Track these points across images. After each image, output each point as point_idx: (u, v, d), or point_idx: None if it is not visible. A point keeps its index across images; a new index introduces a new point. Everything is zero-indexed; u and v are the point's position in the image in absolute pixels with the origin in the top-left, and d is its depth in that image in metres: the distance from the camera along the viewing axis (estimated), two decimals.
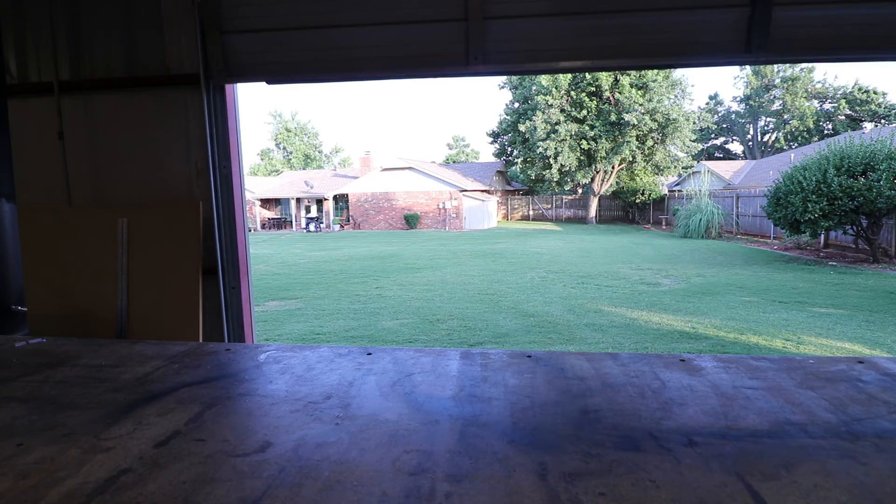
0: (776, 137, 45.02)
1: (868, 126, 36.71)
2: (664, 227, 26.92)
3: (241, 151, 3.13)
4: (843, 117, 40.36)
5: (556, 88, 28.89)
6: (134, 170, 2.97)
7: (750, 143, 47.53)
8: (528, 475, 1.03)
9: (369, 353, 1.86)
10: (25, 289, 2.93)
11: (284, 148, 62.91)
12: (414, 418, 1.31)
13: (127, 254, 2.85)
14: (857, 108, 39.78)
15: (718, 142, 49.47)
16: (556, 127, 29.06)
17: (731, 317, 7.29)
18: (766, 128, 46.59)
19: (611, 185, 32.11)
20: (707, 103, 48.64)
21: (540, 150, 29.89)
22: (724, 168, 31.04)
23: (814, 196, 12.00)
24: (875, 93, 39.00)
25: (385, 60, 2.84)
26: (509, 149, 38.68)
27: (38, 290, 2.91)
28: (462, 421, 1.29)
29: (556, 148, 29.38)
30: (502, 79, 35.67)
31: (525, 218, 36.83)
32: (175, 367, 1.75)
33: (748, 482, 0.99)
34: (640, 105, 27.73)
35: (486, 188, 33.23)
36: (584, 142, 29.33)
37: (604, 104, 29.13)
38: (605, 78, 28.03)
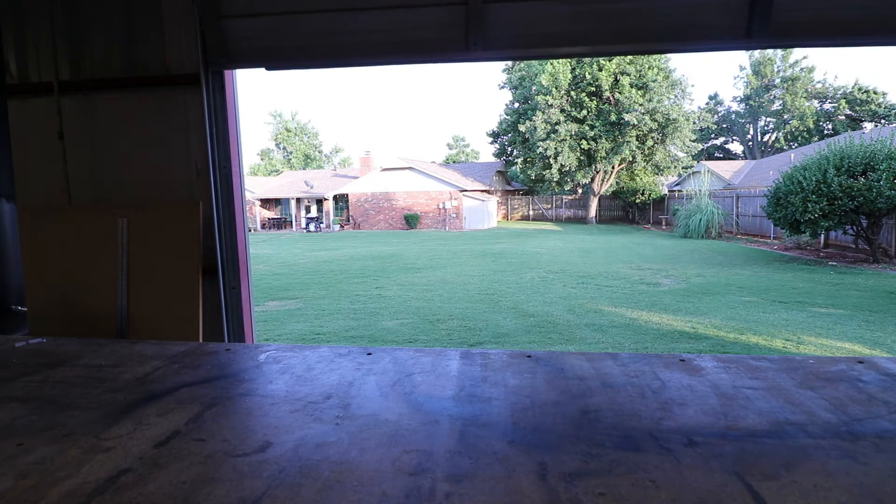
0: (776, 137, 45.02)
1: (868, 126, 36.71)
2: (664, 227, 26.91)
3: (241, 151, 3.13)
4: (843, 117, 40.35)
5: (556, 88, 28.89)
6: (134, 170, 2.96)
7: (750, 143, 47.52)
8: (528, 475, 1.03)
9: (369, 353, 1.86)
10: (25, 289, 2.93)
11: (284, 148, 62.91)
12: (414, 418, 1.31)
13: (127, 254, 2.85)
14: (857, 108, 39.77)
15: (718, 142, 49.47)
16: (556, 127, 29.06)
17: (731, 317, 7.29)
18: (766, 128, 46.59)
19: (611, 185, 32.11)
20: (707, 103, 48.65)
21: (540, 150, 29.89)
22: (724, 168, 31.04)
23: (814, 196, 12.00)
24: (875, 93, 38.99)
25: (385, 46, 2.82)
26: (509, 149, 38.68)
27: (38, 290, 2.91)
28: (462, 421, 1.29)
29: (556, 148, 29.37)
30: (502, 79, 35.71)
31: (525, 218, 36.83)
32: (175, 367, 1.75)
33: (748, 482, 0.99)
34: (640, 105, 27.73)
35: (486, 188, 33.22)
36: (584, 142, 29.33)
37: (604, 104, 29.13)
38: (605, 78, 28.03)
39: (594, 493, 0.96)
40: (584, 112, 29.13)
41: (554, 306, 8.17)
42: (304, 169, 55.06)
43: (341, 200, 33.89)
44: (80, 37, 2.92)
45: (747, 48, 2.85)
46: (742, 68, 46.73)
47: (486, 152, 72.20)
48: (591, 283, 10.26)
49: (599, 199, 33.20)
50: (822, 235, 14.93)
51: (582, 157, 30.12)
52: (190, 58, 2.85)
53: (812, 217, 12.07)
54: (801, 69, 42.12)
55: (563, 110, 29.35)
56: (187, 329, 2.76)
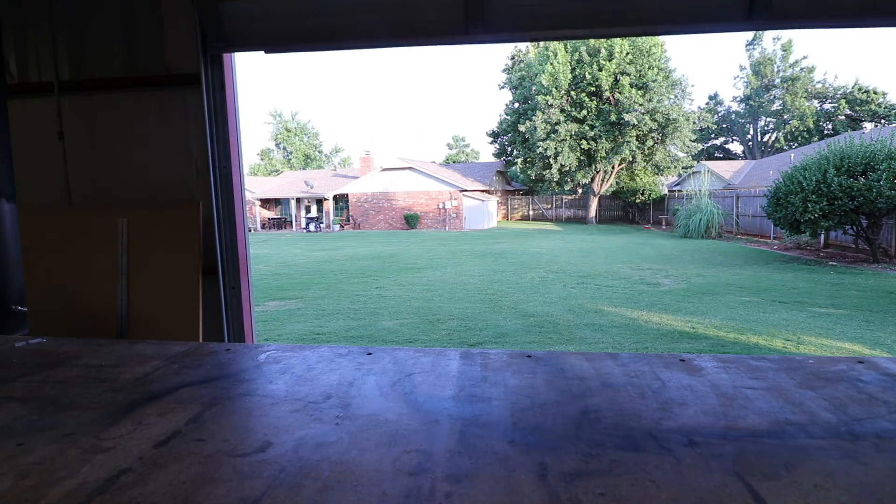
0: (776, 137, 45.02)
1: (868, 126, 36.72)
2: (664, 227, 26.91)
3: (241, 151, 3.13)
4: (843, 117, 40.36)
5: (556, 88, 28.90)
6: (134, 170, 2.96)
7: (750, 143, 47.52)
8: (528, 475, 1.03)
9: (369, 353, 1.86)
10: (25, 289, 2.93)
11: (284, 148, 62.91)
12: (414, 418, 1.31)
13: (127, 254, 2.85)
14: (857, 108, 39.77)
15: (718, 142, 49.47)
16: (556, 127, 29.06)
17: (731, 317, 7.29)
18: (766, 128, 46.59)
19: (611, 185, 32.11)
20: (707, 103, 48.65)
21: (540, 150, 29.89)
22: (724, 168, 31.05)
23: (814, 196, 12.00)
24: (875, 93, 39.00)
25: (384, 27, 2.80)
26: (509, 149, 38.69)
27: (38, 290, 2.91)
28: (462, 421, 1.29)
29: (556, 148, 29.38)
30: (502, 79, 35.69)
31: (525, 218, 36.83)
32: (175, 367, 1.75)
33: (748, 482, 0.99)
34: (640, 105, 27.73)
35: (486, 188, 33.23)
36: (584, 142, 29.33)
37: (604, 104, 29.13)
38: (605, 78, 28.04)
39: (594, 493, 0.96)
40: (584, 112, 29.13)
41: (554, 306, 8.16)
42: (304, 169, 55.06)
43: (341, 200, 33.89)
44: (80, 37, 2.92)
45: (748, 29, 2.80)
46: (742, 68, 46.75)
47: (486, 152, 72.28)
48: (591, 283, 10.26)
49: (599, 199, 33.21)
50: (822, 235, 14.94)
51: (582, 157, 30.13)
52: (190, 57, 2.85)
53: (812, 217, 12.07)
54: (801, 69, 42.14)
55: (563, 110, 29.35)
56: (187, 329, 2.76)
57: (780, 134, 44.35)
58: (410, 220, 30.42)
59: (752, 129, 47.27)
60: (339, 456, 1.12)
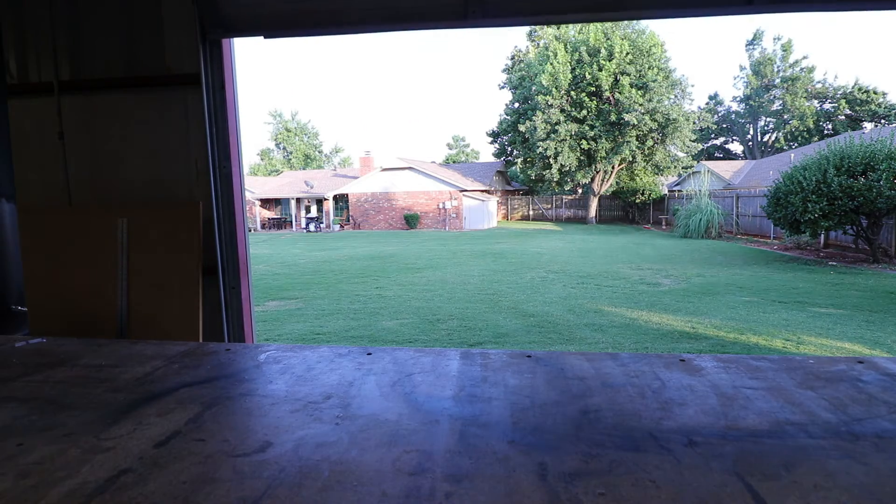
0: (776, 137, 45.03)
1: (868, 126, 36.72)
2: (664, 227, 26.92)
3: (241, 151, 3.13)
4: (843, 117, 40.36)
5: (556, 88, 28.90)
6: (134, 170, 2.96)
7: (750, 143, 47.53)
8: (528, 475, 1.03)
9: (369, 353, 1.86)
10: (25, 289, 2.93)
11: (284, 148, 62.92)
12: (414, 418, 1.31)
13: (127, 254, 2.85)
14: (857, 108, 39.78)
15: (718, 142, 49.48)
16: (556, 127, 29.06)
17: (731, 317, 7.29)
18: (766, 128, 46.60)
19: (611, 185, 32.12)
20: (707, 103, 48.66)
21: (540, 150, 29.89)
22: (724, 168, 31.06)
23: (814, 196, 12.00)
24: (875, 93, 39.00)
25: (382, 11, 2.79)
26: (509, 149, 38.68)
27: (38, 290, 2.91)
28: (462, 421, 1.29)
29: (556, 148, 29.37)
30: (502, 79, 35.68)
31: (525, 218, 36.83)
32: (175, 367, 1.75)
33: (748, 482, 0.99)
34: (640, 105, 27.73)
35: (486, 188, 33.23)
36: (584, 142, 29.33)
37: (604, 104, 29.13)
38: (605, 78, 28.03)
39: (594, 493, 0.96)
40: (584, 112, 29.13)
41: (554, 306, 8.16)
42: (304, 169, 55.07)
43: (341, 200, 33.89)
44: (80, 37, 2.92)
45: (748, 13, 2.74)
46: (742, 68, 46.77)
47: (486, 152, 72.30)
48: (591, 283, 10.26)
49: (599, 199, 33.21)
50: (822, 235, 14.93)
51: (582, 157, 30.13)
52: (190, 58, 2.85)
53: (812, 217, 12.07)
54: (801, 69, 42.15)
55: (563, 110, 29.35)
56: (187, 329, 2.76)
57: (780, 134, 44.36)
58: (410, 220, 30.42)
59: (752, 129, 47.29)
60: (339, 456, 1.12)
